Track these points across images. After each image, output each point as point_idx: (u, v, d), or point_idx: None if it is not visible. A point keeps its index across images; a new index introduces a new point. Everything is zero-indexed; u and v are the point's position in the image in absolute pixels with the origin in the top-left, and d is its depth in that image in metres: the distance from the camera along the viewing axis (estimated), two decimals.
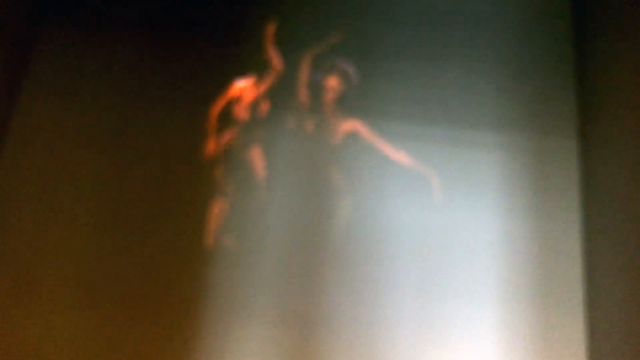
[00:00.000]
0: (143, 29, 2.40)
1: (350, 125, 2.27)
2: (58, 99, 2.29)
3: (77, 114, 2.28)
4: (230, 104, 2.28)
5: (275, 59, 2.29)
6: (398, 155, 2.25)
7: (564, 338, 2.09)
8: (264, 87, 2.29)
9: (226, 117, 2.28)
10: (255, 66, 2.35)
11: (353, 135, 2.26)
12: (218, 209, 2.18)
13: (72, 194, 2.18)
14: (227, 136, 2.24)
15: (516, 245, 2.19)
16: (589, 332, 2.09)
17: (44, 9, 2.40)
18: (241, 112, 2.23)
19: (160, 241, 2.14)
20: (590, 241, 2.16)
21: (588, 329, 2.09)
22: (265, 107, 2.26)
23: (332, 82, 2.29)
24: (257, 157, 2.24)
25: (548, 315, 2.11)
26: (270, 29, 2.36)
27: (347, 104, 2.29)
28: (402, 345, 2.06)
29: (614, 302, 1.95)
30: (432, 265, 2.15)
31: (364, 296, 2.12)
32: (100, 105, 2.29)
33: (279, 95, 2.30)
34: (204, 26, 2.41)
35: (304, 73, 2.28)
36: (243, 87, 2.26)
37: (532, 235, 2.20)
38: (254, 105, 2.28)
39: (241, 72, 2.34)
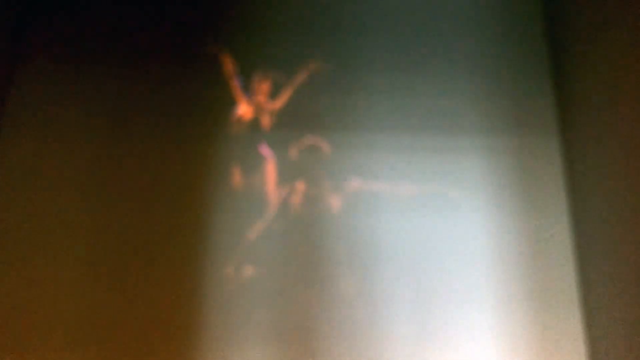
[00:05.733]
0: (129, 54, 2.39)
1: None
2: (41, 127, 2.28)
3: (61, 142, 2.27)
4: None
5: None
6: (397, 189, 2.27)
7: (563, 336, 2.09)
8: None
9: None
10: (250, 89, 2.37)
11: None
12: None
13: (61, 231, 2.16)
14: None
15: (508, 247, 2.19)
16: (587, 328, 2.09)
17: (29, 29, 2.39)
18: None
19: (156, 269, 2.13)
20: (581, 236, 2.17)
21: (586, 325, 2.10)
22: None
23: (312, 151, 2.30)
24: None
25: (545, 315, 2.11)
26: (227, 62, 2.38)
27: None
28: (401, 354, 2.06)
29: (610, 296, 1.96)
30: (426, 273, 2.15)
31: (360, 308, 2.11)
32: (84, 135, 2.28)
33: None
34: (197, 53, 2.41)
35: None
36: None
37: (522, 235, 2.21)
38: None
39: (233, 97, 2.36)
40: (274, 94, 2.36)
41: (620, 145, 1.90)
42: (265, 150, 2.27)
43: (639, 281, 1.79)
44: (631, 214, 1.83)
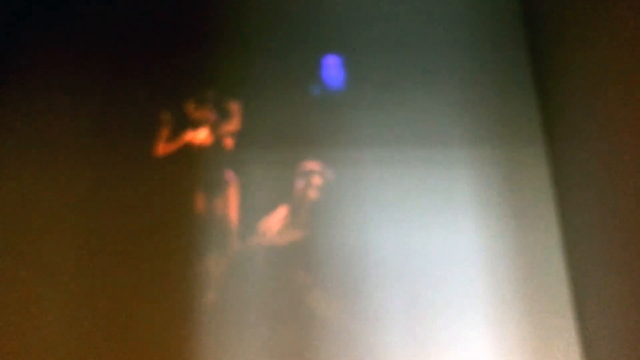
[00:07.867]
0: (105, 81, 2.44)
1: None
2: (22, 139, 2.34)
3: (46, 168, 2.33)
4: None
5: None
6: None
7: (556, 340, 2.10)
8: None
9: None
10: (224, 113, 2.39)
11: None
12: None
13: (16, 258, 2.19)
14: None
15: (499, 257, 2.21)
16: (581, 334, 2.10)
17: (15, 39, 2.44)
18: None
19: (124, 291, 2.16)
20: (570, 241, 2.19)
21: (579, 328, 2.11)
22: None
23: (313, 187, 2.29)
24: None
25: (539, 321, 2.12)
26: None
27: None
28: None
29: (601, 298, 1.97)
30: (418, 287, 2.17)
31: (353, 325, 2.12)
32: (67, 168, 2.33)
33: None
34: (173, 79, 2.46)
35: None
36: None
37: (512, 244, 2.22)
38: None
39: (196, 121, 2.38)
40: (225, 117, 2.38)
41: (605, 151, 1.92)
42: (230, 174, 2.29)
43: (628, 282, 1.80)
44: (619, 216, 1.86)
